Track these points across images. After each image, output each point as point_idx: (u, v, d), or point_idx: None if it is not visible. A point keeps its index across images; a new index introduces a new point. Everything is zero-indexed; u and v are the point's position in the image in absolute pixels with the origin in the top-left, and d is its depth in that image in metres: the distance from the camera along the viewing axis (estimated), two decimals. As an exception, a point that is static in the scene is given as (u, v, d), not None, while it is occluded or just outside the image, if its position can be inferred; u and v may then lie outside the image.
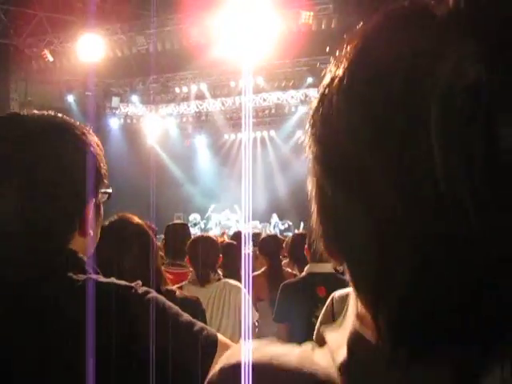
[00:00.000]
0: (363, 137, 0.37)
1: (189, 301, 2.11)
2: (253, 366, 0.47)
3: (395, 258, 0.36)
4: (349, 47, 0.42)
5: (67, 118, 1.00)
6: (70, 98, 15.30)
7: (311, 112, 0.45)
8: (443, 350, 0.36)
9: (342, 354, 0.44)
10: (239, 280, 4.53)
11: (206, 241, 3.02)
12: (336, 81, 0.41)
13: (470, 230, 0.33)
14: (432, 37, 0.36)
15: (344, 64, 0.41)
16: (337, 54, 0.44)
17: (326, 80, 0.43)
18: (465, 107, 0.33)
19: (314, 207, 0.46)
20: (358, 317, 0.43)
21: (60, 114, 1.01)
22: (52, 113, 0.99)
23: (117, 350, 0.83)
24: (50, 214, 0.90)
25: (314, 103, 0.44)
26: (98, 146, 1.00)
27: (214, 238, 3.18)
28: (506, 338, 0.34)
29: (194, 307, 2.09)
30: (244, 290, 2.87)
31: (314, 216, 0.46)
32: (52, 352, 0.82)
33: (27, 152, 0.89)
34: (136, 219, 2.03)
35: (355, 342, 0.43)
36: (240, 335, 2.78)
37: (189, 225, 4.62)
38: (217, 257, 3.00)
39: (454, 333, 0.35)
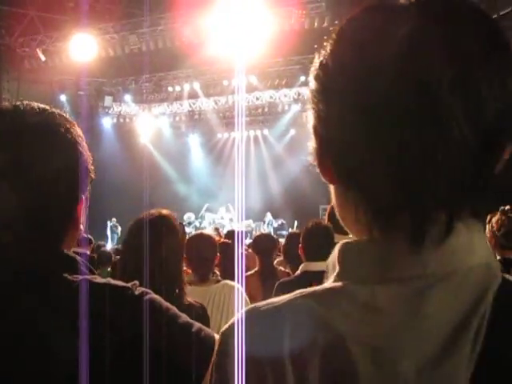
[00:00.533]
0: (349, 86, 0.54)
1: (193, 308, 2.07)
2: (256, 308, 0.58)
3: (374, 163, 0.52)
4: (333, 35, 0.59)
5: (53, 110, 0.97)
6: (63, 98, 15.25)
7: (316, 64, 0.60)
8: (405, 214, 0.52)
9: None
10: (232, 279, 4.46)
11: (203, 238, 2.93)
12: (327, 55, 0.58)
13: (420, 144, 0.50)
14: (389, 20, 0.53)
15: (330, 47, 0.58)
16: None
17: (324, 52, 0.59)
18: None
19: (313, 136, 0.60)
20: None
21: (47, 107, 0.97)
22: (39, 106, 0.96)
23: (113, 351, 0.82)
24: (45, 213, 0.89)
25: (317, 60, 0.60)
26: (82, 138, 0.97)
27: (212, 236, 3.11)
28: (447, 203, 0.51)
29: (198, 316, 2.04)
30: (241, 289, 2.83)
31: (313, 140, 0.61)
32: (48, 354, 0.82)
33: (18, 150, 0.87)
34: (172, 217, 2.04)
35: (343, 251, 0.57)
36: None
37: (184, 224, 4.59)
38: (215, 255, 2.92)
39: (409, 205, 0.51)
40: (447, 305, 0.51)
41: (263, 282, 3.84)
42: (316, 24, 11.70)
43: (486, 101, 0.50)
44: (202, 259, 2.82)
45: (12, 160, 0.87)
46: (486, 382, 0.48)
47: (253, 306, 0.58)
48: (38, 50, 12.82)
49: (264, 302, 0.58)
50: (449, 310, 0.50)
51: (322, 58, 0.58)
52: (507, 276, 0.55)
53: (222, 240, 5.15)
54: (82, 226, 0.98)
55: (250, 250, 5.16)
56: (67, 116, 0.98)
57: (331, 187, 0.62)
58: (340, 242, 0.58)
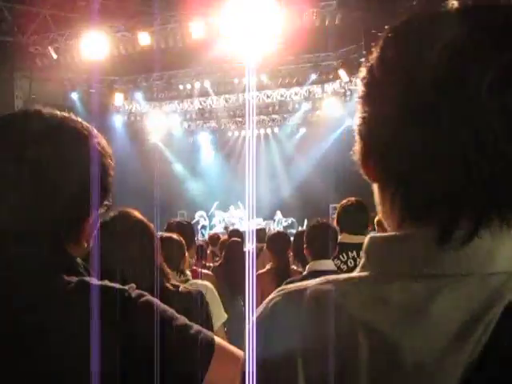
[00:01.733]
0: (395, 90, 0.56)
1: (191, 295, 2.07)
2: (286, 289, 0.63)
3: (411, 163, 0.55)
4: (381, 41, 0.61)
5: (79, 120, 0.96)
6: (74, 96, 15.31)
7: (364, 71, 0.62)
8: (433, 214, 0.54)
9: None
10: (242, 277, 4.40)
11: (169, 241, 2.80)
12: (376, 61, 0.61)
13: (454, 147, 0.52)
14: (436, 28, 0.55)
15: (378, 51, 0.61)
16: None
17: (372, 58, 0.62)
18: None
19: (357, 137, 0.63)
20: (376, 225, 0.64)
21: (73, 116, 0.97)
22: (62, 113, 0.95)
23: (108, 354, 0.81)
24: (48, 220, 0.88)
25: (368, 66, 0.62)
26: (109, 157, 0.96)
27: (177, 239, 2.89)
28: (470, 208, 0.53)
29: (196, 301, 2.04)
30: (211, 287, 2.80)
31: (357, 141, 0.63)
32: (43, 354, 0.81)
33: (36, 154, 0.86)
34: (137, 214, 1.98)
35: (369, 244, 0.60)
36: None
37: (193, 222, 4.57)
38: (181, 258, 2.83)
39: (438, 205, 0.54)
40: (455, 307, 0.52)
41: (276, 280, 3.84)
42: (327, 22, 11.65)
43: None
44: (167, 264, 2.75)
45: (28, 164, 0.86)
46: None
47: (285, 287, 0.64)
48: (49, 48, 12.88)
49: (295, 285, 0.63)
50: (455, 313, 0.52)
51: (370, 62, 0.61)
52: None
53: (225, 238, 5.10)
54: (85, 244, 0.97)
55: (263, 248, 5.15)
56: (93, 129, 0.98)
57: (374, 186, 0.65)
58: (369, 235, 0.62)
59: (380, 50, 0.61)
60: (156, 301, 0.92)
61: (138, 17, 12.47)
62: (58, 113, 0.95)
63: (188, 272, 3.01)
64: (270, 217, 16.31)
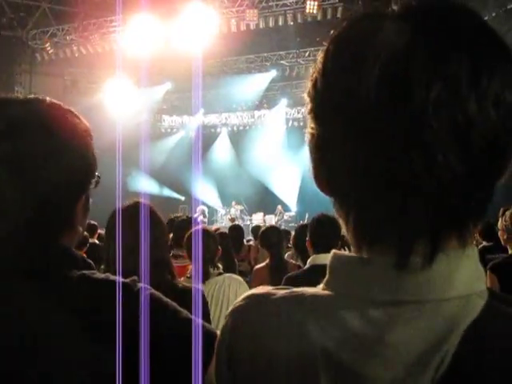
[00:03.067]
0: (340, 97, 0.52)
1: (190, 292, 2.06)
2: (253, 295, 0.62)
3: (358, 184, 0.52)
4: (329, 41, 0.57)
5: (52, 102, 0.94)
6: (74, 90, 15.30)
7: (309, 84, 0.58)
8: (387, 239, 0.52)
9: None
10: (233, 268, 4.42)
11: (204, 234, 2.82)
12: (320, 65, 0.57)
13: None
14: (375, 37, 0.51)
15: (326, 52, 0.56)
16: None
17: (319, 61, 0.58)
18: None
19: (310, 156, 0.59)
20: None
21: (47, 99, 0.95)
22: (50, 100, 0.94)
23: (112, 347, 0.80)
24: (40, 210, 0.85)
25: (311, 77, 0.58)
26: (88, 134, 0.94)
27: (213, 233, 2.97)
28: (429, 231, 0.50)
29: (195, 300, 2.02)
30: (244, 283, 2.80)
31: (311, 161, 0.59)
32: (47, 351, 0.80)
33: (22, 141, 0.85)
34: (151, 206, 2.04)
35: (333, 260, 0.58)
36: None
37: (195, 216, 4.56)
38: (216, 250, 2.87)
39: (391, 229, 0.51)
40: (412, 337, 0.50)
41: (273, 275, 3.82)
42: (329, 15, 11.60)
43: (474, 122, 0.47)
44: (202, 257, 2.75)
45: (13, 151, 0.84)
46: None
47: (251, 293, 0.62)
48: (48, 42, 12.86)
49: (263, 291, 0.61)
50: (413, 343, 0.50)
51: (314, 74, 0.57)
52: (495, 306, 0.52)
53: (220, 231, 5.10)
54: (80, 228, 0.95)
55: (255, 243, 5.13)
56: (76, 113, 0.96)
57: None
58: (333, 251, 0.59)
59: (322, 62, 0.56)
60: (158, 294, 0.92)
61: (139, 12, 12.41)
62: (29, 97, 0.93)
63: (220, 265, 3.02)
64: (271, 211, 16.27)
